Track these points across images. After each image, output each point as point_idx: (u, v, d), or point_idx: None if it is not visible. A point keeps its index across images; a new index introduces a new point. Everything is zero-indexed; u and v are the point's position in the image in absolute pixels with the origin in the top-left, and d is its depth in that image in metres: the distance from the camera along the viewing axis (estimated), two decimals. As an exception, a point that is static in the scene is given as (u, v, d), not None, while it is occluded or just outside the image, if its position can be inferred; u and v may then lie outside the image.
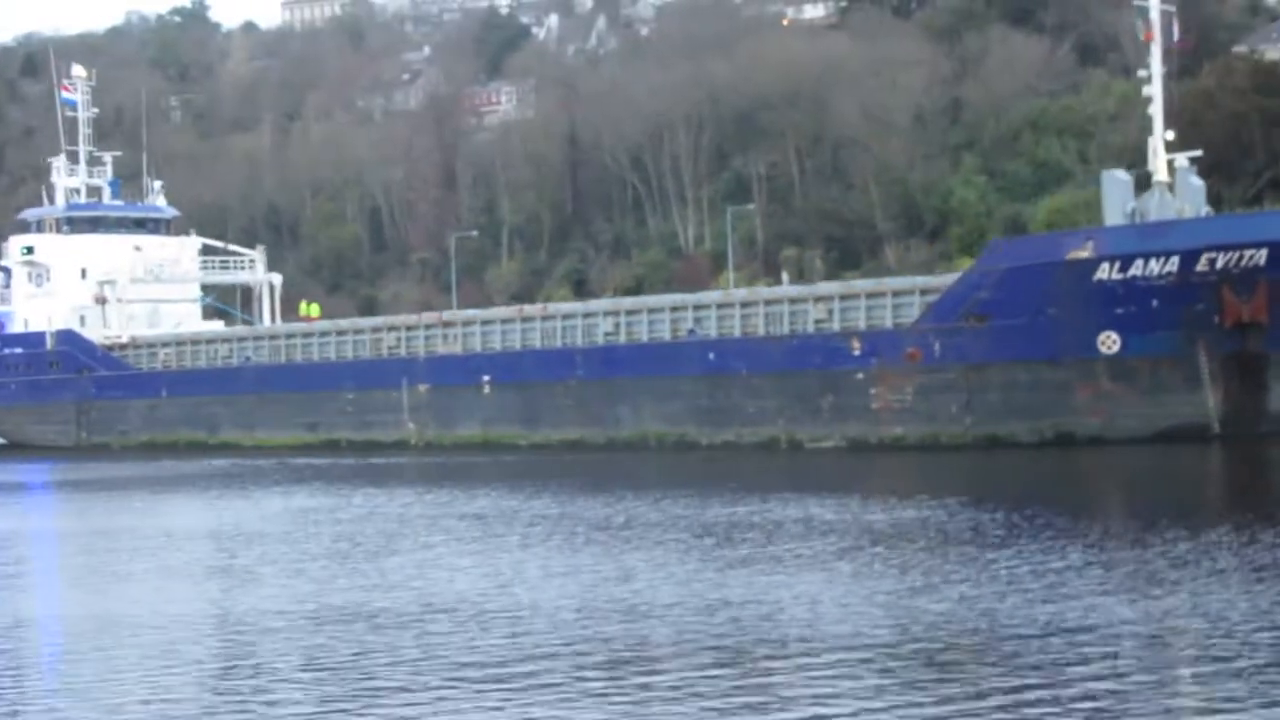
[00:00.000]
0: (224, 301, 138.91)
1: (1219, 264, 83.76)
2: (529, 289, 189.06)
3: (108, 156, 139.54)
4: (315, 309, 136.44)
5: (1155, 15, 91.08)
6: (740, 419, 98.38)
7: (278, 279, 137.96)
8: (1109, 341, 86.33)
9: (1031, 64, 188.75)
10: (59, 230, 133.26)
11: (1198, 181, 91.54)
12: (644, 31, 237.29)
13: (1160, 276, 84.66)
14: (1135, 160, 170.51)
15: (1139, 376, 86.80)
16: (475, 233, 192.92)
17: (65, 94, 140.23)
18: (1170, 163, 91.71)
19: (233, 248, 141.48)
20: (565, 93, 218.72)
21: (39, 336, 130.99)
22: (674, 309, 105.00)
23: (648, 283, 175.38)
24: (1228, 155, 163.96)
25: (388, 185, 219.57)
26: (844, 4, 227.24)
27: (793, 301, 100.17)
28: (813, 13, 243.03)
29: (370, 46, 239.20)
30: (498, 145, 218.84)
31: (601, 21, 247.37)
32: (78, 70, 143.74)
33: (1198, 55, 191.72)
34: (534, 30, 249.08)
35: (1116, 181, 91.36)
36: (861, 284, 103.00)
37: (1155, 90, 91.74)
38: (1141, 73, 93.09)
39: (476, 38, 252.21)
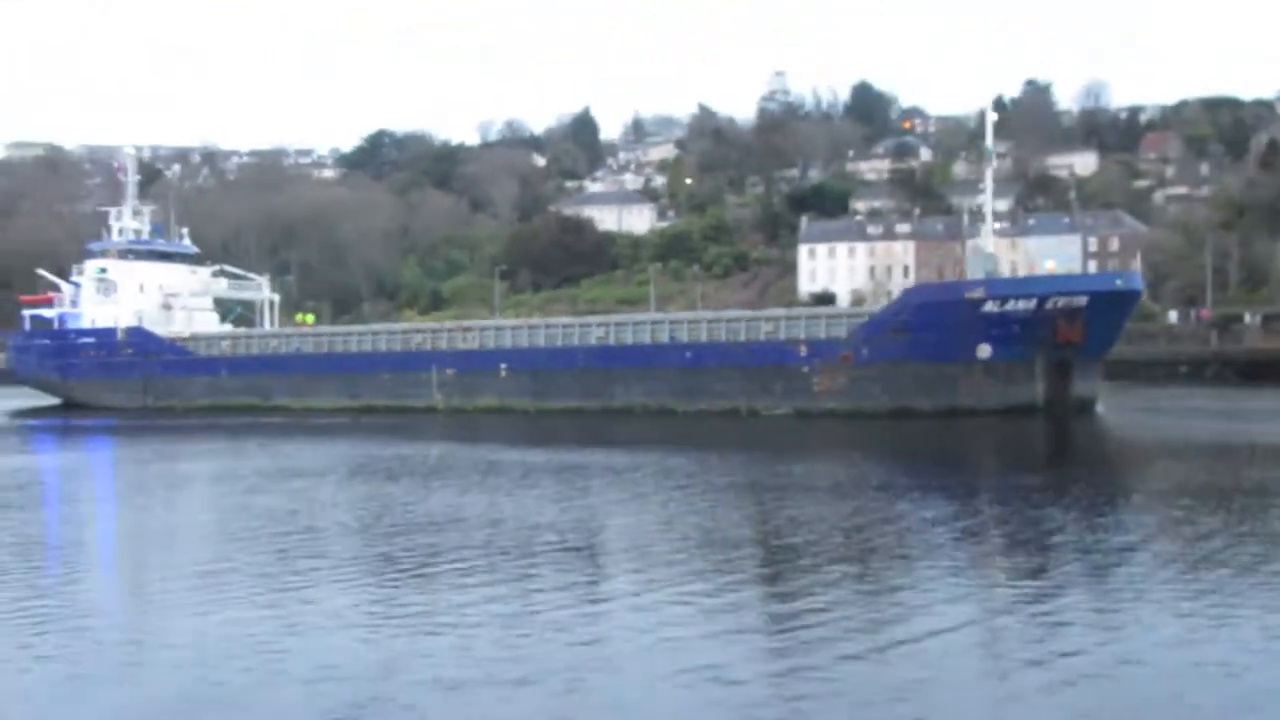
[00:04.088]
0: (227, 313, 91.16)
1: (1059, 304, 60.94)
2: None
3: (146, 209, 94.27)
4: (310, 318, 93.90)
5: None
6: (710, 395, 66.20)
7: (277, 297, 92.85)
8: (984, 350, 61.44)
9: (447, 209, 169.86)
10: (122, 258, 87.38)
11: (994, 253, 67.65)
12: (231, 176, 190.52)
13: (1024, 310, 60.93)
14: (499, 261, 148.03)
15: (999, 373, 61.68)
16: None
17: (118, 170, 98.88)
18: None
19: (249, 275, 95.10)
20: (183, 212, 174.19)
21: (110, 330, 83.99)
22: (653, 322, 70.56)
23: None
24: (546, 264, 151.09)
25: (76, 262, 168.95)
26: (344, 171, 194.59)
27: (747, 321, 68.49)
28: (329, 173, 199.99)
29: (61, 175, 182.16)
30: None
31: (206, 170, 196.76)
32: (128, 151, 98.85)
33: (529, 210, 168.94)
34: (165, 172, 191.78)
35: (981, 252, 66.14)
36: (801, 310, 73.49)
37: (988, 200, 66.02)
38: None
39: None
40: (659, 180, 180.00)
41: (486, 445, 47.04)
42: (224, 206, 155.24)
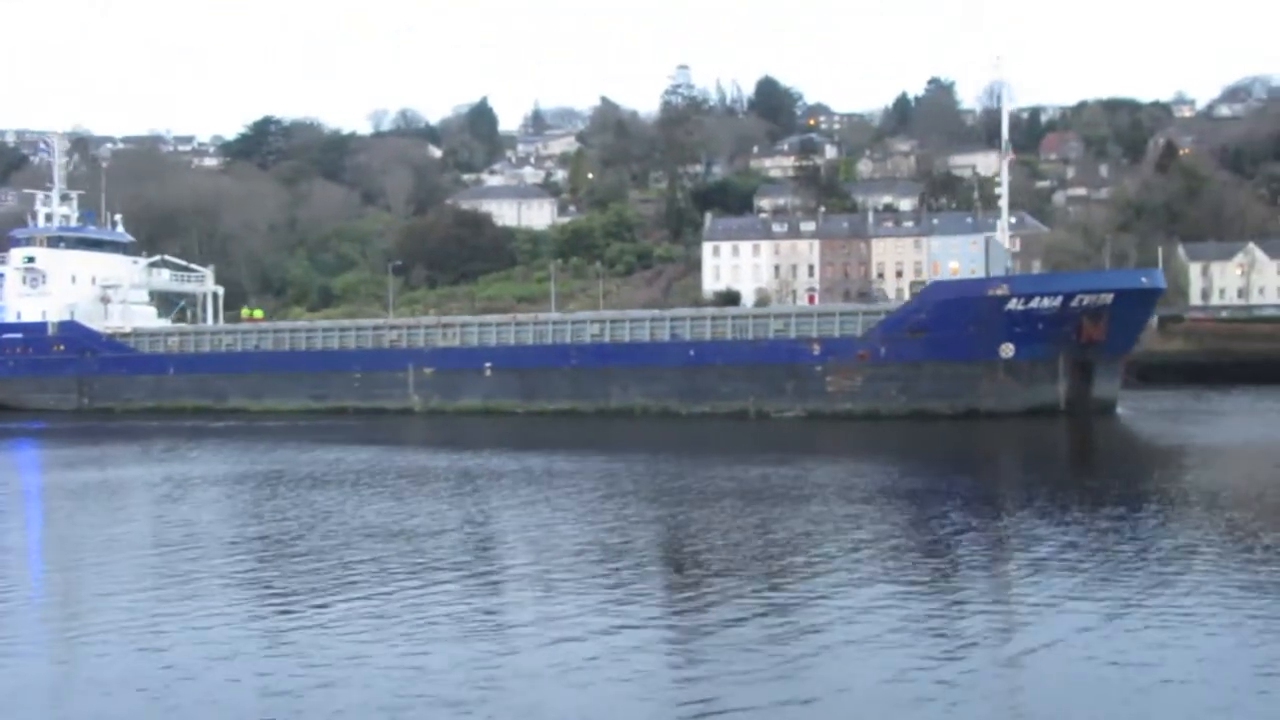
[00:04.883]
0: (165, 306, 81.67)
1: (1085, 302, 58.22)
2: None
3: (74, 194, 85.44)
4: (259, 313, 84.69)
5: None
6: (715, 396, 61.31)
7: (220, 290, 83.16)
8: (1007, 349, 58.32)
9: (338, 201, 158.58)
10: (51, 246, 78.16)
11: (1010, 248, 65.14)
12: (104, 163, 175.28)
13: (1049, 308, 58.06)
14: (393, 256, 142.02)
15: (1021, 373, 58.48)
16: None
17: (43, 149, 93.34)
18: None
19: (192, 266, 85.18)
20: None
21: (40, 325, 74.50)
22: (653, 319, 64.88)
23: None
24: (441, 260, 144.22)
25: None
26: (227, 159, 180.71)
27: (755, 317, 63.82)
28: (211, 162, 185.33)
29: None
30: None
31: (76, 156, 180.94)
32: (53, 130, 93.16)
33: (424, 203, 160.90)
34: (31, 158, 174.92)
35: (999, 246, 62.12)
36: (813, 307, 69.26)
37: (1004, 194, 62.57)
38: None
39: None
40: (560, 174, 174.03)
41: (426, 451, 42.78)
42: (97, 195, 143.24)
